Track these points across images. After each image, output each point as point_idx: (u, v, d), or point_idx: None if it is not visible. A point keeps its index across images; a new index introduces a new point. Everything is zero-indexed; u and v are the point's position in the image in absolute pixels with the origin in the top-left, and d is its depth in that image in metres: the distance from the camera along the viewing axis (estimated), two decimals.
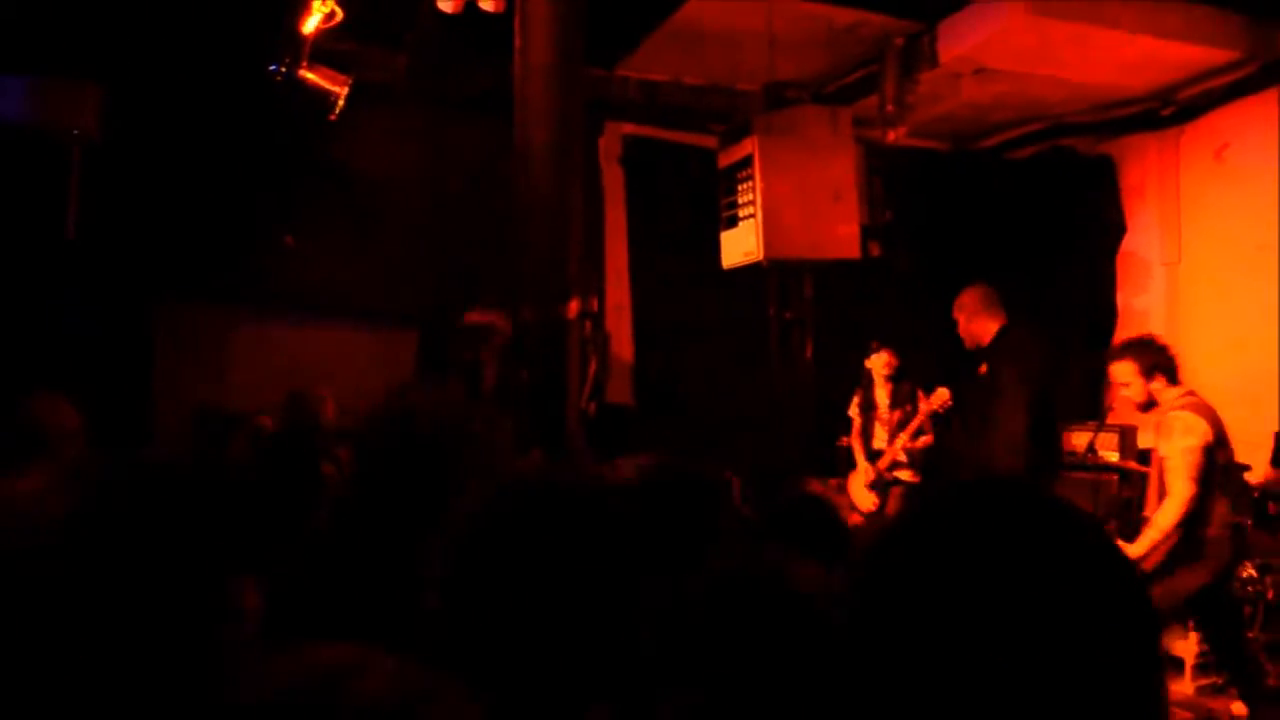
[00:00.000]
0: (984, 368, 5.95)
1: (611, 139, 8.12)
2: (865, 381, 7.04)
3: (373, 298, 7.16)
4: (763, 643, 1.46)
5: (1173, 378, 4.86)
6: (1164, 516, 4.65)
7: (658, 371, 8.06)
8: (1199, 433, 4.63)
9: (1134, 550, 4.66)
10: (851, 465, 7.01)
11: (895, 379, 6.85)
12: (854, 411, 7.10)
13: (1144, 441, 7.00)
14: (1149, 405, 4.90)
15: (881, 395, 6.92)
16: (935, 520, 0.98)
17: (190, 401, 5.86)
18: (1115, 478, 6.50)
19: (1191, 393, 4.82)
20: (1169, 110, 7.81)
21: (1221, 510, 4.71)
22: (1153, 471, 4.94)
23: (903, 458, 6.69)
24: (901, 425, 6.71)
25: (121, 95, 6.39)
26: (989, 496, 0.99)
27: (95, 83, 6.29)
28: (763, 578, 1.56)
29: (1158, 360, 4.87)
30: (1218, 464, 4.76)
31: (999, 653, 0.87)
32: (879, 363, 6.89)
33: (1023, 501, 0.97)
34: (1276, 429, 6.45)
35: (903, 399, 6.77)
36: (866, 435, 6.96)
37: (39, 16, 5.91)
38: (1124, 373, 4.92)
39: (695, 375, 7.92)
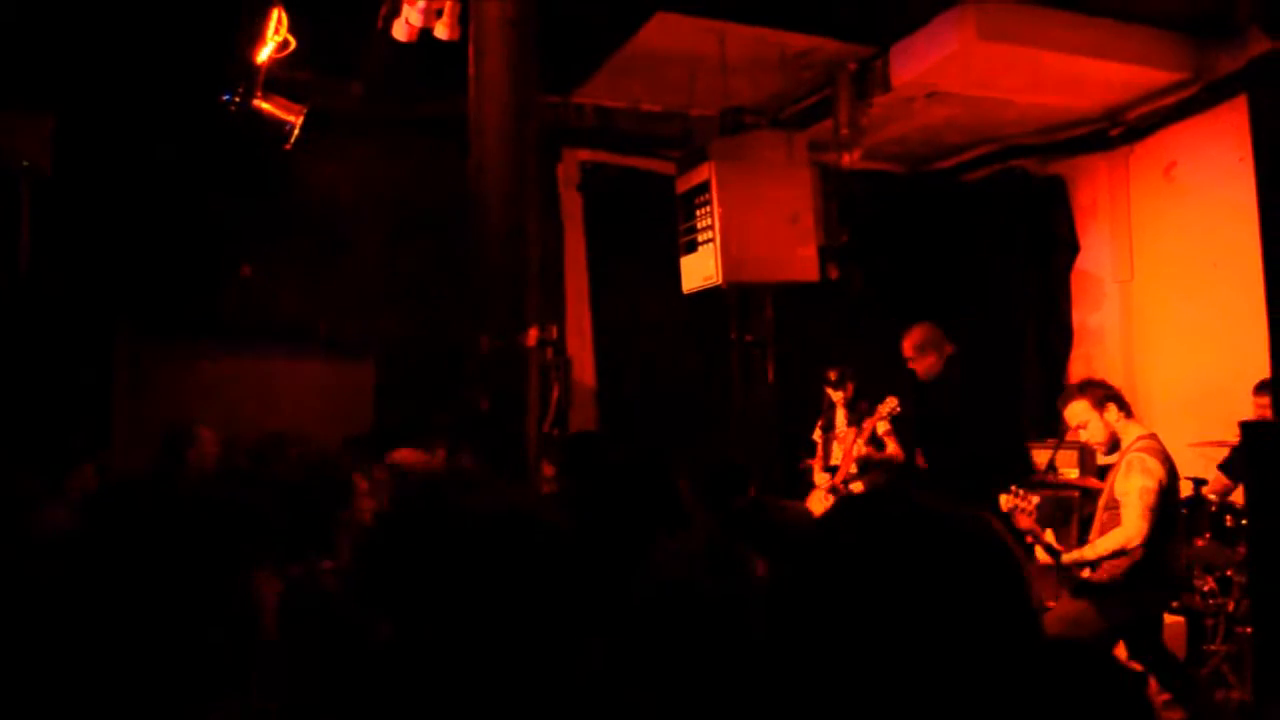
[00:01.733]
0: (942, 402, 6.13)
1: (569, 166, 8.13)
2: (826, 406, 7.11)
3: (331, 327, 7.11)
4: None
5: (1124, 408, 4.94)
6: (1104, 542, 4.71)
7: (621, 397, 8.06)
8: (1156, 476, 4.69)
9: (1071, 555, 4.72)
10: (811, 486, 7.05)
11: (852, 402, 6.92)
12: (818, 435, 7.16)
13: (1104, 458, 7.08)
14: (1113, 445, 4.95)
15: (840, 417, 7.00)
16: (833, 531, 1.11)
17: (150, 434, 5.77)
18: (1076, 494, 6.56)
19: (1152, 435, 4.89)
20: (1118, 130, 7.93)
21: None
22: (1100, 505, 4.99)
23: (854, 469, 6.72)
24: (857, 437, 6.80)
25: (73, 126, 6.32)
26: (876, 508, 1.11)
27: (46, 114, 6.22)
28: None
29: (1106, 392, 4.96)
30: (1177, 506, 4.84)
31: (885, 642, 0.98)
32: (838, 395, 6.99)
33: (902, 509, 1.08)
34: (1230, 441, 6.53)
35: (859, 417, 6.83)
36: (826, 455, 7.03)
37: None
38: (1079, 412, 5.00)
39: (658, 399, 7.92)
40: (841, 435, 6.93)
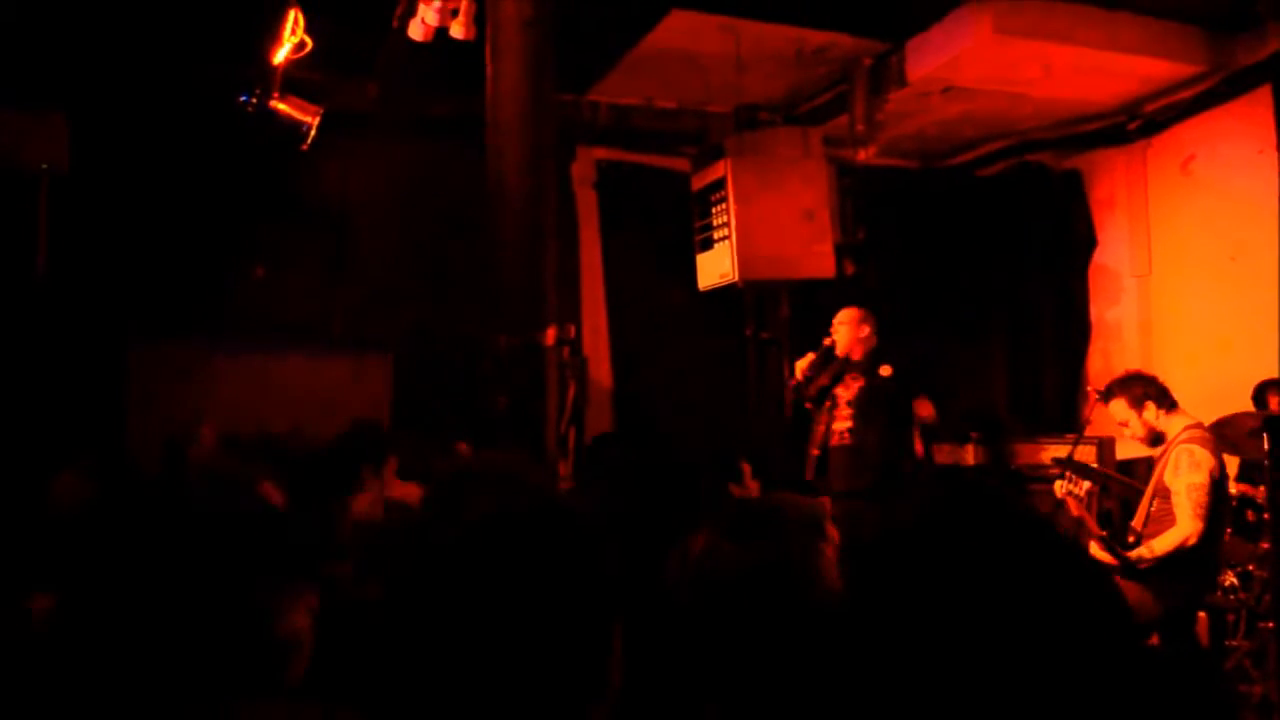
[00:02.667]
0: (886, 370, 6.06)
1: (585, 164, 8.12)
2: None
3: (347, 326, 7.13)
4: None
5: (1164, 403, 4.88)
6: (1161, 543, 4.67)
7: (636, 395, 8.05)
8: (1206, 468, 4.64)
9: (1133, 554, 4.69)
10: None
11: None
12: None
13: (1123, 452, 7.05)
14: (1155, 438, 4.90)
15: None
16: (923, 528, 1.07)
17: (164, 435, 5.80)
18: (1096, 489, 6.52)
19: (1198, 424, 4.84)
20: (1135, 124, 7.89)
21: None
22: (1149, 491, 4.95)
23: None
24: None
25: (90, 128, 6.34)
26: (971, 508, 1.07)
27: (63, 115, 6.24)
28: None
29: (1145, 390, 4.90)
30: (1228, 496, 4.80)
31: (978, 644, 0.96)
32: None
33: (1001, 512, 1.05)
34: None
35: None
36: None
37: (3, 48, 5.87)
38: (1118, 411, 4.95)
39: (674, 398, 7.91)
40: None
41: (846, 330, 6.17)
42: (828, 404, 6.20)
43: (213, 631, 1.52)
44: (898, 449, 6.09)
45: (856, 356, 6.17)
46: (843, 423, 6.11)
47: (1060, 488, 5.05)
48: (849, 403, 6.09)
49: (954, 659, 0.97)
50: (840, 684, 1.07)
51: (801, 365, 6.25)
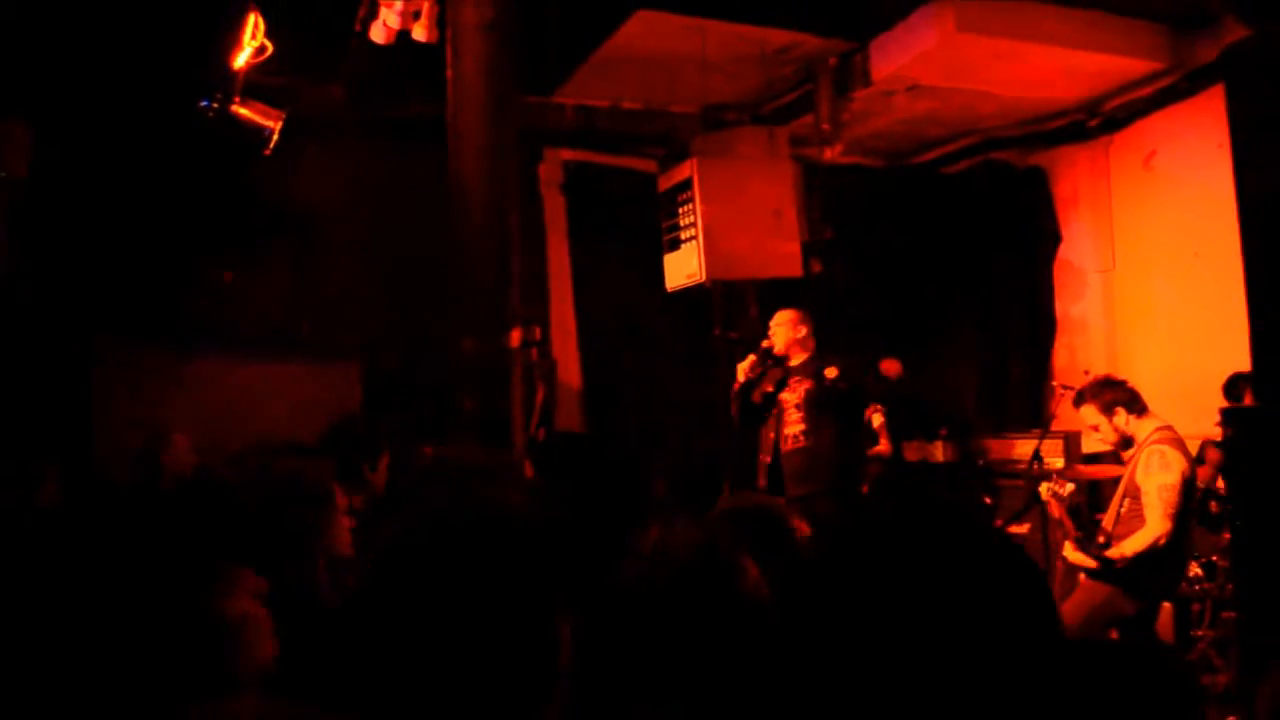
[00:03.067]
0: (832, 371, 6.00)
1: (551, 166, 8.11)
2: None
3: (314, 330, 7.09)
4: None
5: (1135, 408, 4.94)
6: (1132, 544, 4.72)
7: (606, 396, 8.05)
8: (1177, 469, 4.70)
9: (1110, 553, 4.73)
10: None
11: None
12: None
13: (1088, 446, 7.11)
14: (1125, 443, 4.97)
15: None
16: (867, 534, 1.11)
17: (129, 441, 5.74)
18: (1081, 499, 6.57)
19: (1167, 426, 4.90)
20: (1097, 121, 7.96)
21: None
22: (1119, 492, 5.00)
23: None
24: None
25: (51, 134, 6.28)
26: (914, 517, 1.10)
27: (22, 121, 6.18)
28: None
29: (1115, 396, 4.96)
30: (1195, 498, 4.86)
31: (915, 643, 0.99)
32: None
33: (944, 521, 1.08)
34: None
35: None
36: None
37: None
38: (1090, 416, 5.03)
39: (644, 398, 7.92)
40: None
41: (784, 331, 6.15)
42: (775, 410, 6.16)
43: (159, 622, 1.52)
44: (851, 448, 6.06)
45: (795, 358, 6.14)
46: (793, 426, 6.05)
47: (1045, 489, 5.11)
48: (797, 406, 6.05)
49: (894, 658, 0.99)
50: (784, 681, 1.08)
51: (744, 367, 6.20)
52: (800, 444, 5.99)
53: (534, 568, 1.29)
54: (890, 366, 7.01)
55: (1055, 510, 5.08)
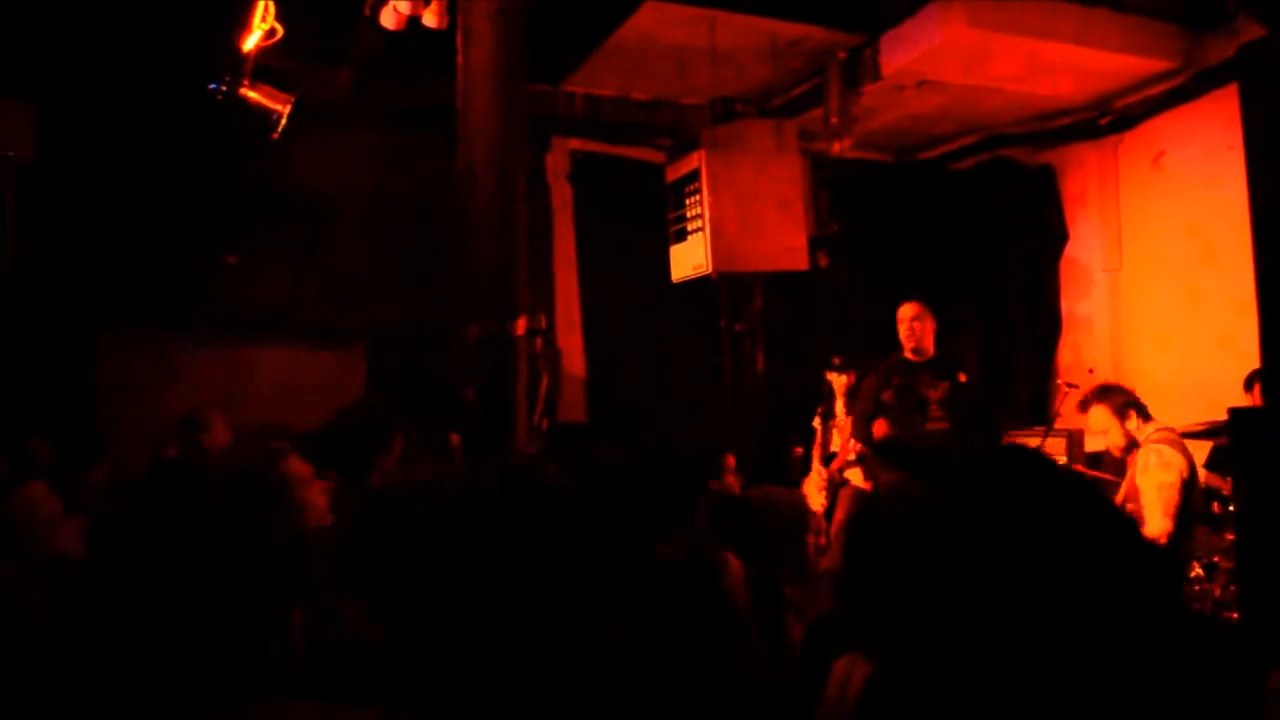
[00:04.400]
0: (963, 376, 6.02)
1: (559, 155, 8.10)
2: (826, 393, 7.07)
3: (320, 316, 7.08)
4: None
5: (1143, 414, 4.93)
6: None
7: (610, 386, 8.04)
8: (1175, 468, 4.69)
9: None
10: (805, 471, 7.03)
11: (853, 390, 6.87)
12: (817, 423, 7.15)
13: (1092, 445, 7.10)
14: (1130, 447, 4.94)
15: (840, 407, 6.96)
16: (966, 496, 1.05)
17: (133, 426, 5.74)
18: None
19: (1167, 428, 4.88)
20: (1107, 119, 7.94)
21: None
22: (1120, 496, 4.99)
23: (853, 456, 6.69)
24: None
25: (58, 116, 6.27)
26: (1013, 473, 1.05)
27: (30, 103, 6.17)
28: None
29: (1127, 400, 4.94)
30: (1195, 494, 4.84)
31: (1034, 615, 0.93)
32: (839, 381, 6.93)
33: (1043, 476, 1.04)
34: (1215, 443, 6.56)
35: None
36: (825, 442, 7.01)
37: None
38: (1099, 419, 4.98)
39: (648, 389, 7.92)
40: (841, 423, 6.91)
41: (922, 325, 6.09)
42: (905, 406, 6.05)
43: (226, 625, 1.50)
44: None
45: (930, 353, 6.09)
46: (936, 424, 5.97)
47: None
48: (939, 403, 5.98)
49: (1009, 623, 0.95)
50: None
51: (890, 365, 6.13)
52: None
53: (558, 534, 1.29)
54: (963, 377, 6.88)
55: None
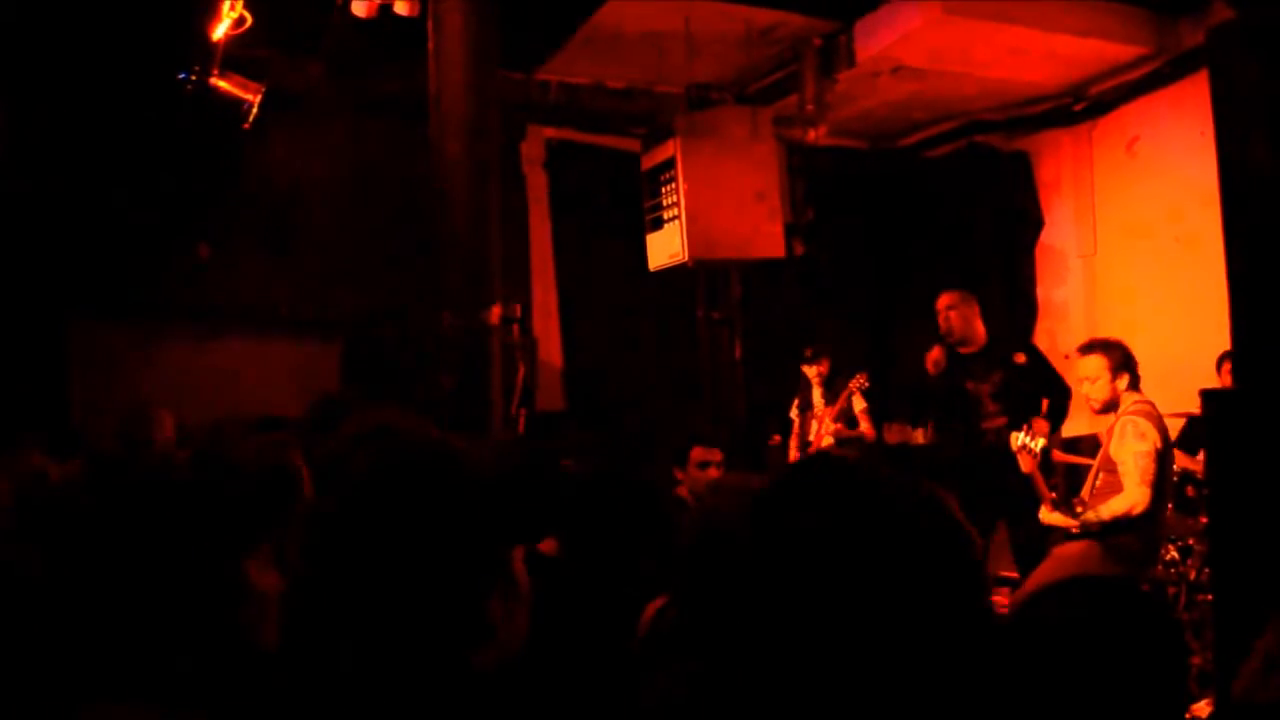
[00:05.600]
0: (1021, 357, 5.76)
1: (534, 143, 8.07)
2: (804, 384, 7.07)
3: (293, 307, 7.04)
4: None
5: (1135, 381, 4.93)
6: (1109, 508, 4.73)
7: (588, 376, 8.03)
8: (1150, 439, 4.71)
9: (1087, 516, 4.74)
10: (785, 460, 7.05)
11: (828, 379, 6.88)
12: (794, 414, 7.16)
13: (1068, 429, 7.13)
14: (1110, 406, 4.93)
15: (817, 396, 6.96)
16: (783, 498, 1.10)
17: (109, 419, 5.68)
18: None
19: (1147, 400, 4.90)
20: (1081, 105, 7.96)
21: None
22: (1095, 465, 5.01)
23: (828, 442, 6.69)
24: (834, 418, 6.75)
25: (25, 108, 6.20)
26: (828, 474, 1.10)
27: None
28: None
29: (1127, 361, 4.92)
30: (1169, 472, 4.86)
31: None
32: (813, 371, 6.91)
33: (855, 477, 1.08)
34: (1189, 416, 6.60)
35: (834, 394, 6.81)
36: (803, 432, 6.99)
37: None
38: (1093, 366, 4.91)
39: (626, 378, 7.91)
40: (819, 413, 6.90)
41: (960, 313, 5.86)
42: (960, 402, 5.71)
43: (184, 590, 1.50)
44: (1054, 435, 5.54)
45: (976, 344, 5.82)
46: (994, 420, 5.60)
47: (1015, 440, 5.07)
48: (993, 396, 5.63)
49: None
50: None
51: (936, 359, 5.82)
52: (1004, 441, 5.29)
53: (472, 509, 1.28)
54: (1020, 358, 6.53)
55: (1026, 465, 5.04)
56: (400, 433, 1.33)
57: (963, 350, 5.88)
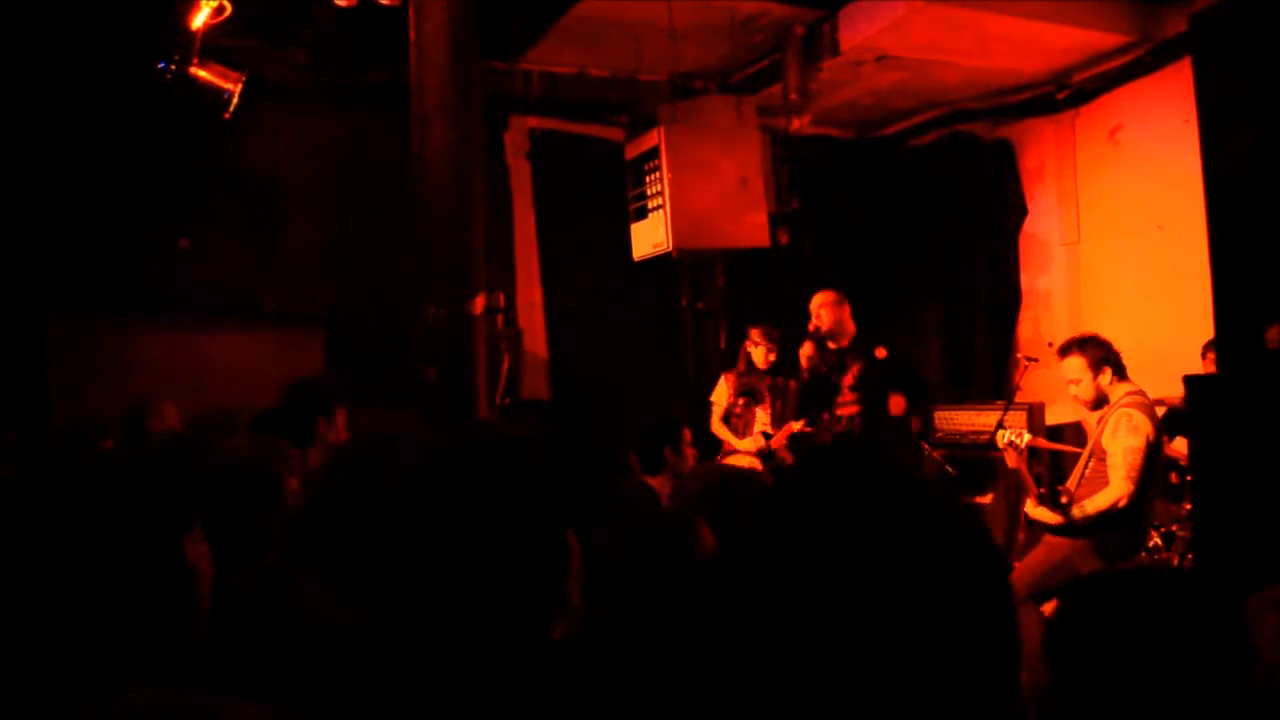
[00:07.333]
0: (882, 352, 6.17)
1: (517, 133, 8.03)
2: (749, 366, 6.75)
3: (275, 297, 7.00)
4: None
5: (1120, 373, 4.94)
6: (1094, 503, 4.75)
7: (573, 366, 8.02)
8: (1143, 433, 4.72)
9: (1074, 510, 4.76)
10: (717, 451, 6.73)
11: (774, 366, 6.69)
12: (715, 397, 6.88)
13: (1052, 417, 7.16)
14: (1099, 402, 4.95)
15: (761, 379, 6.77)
16: (803, 484, 1.10)
17: (89, 412, 5.64)
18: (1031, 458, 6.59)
19: (1139, 390, 4.91)
20: (1064, 94, 7.97)
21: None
22: (1085, 453, 5.03)
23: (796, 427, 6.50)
24: (788, 405, 6.60)
25: (3, 96, 6.13)
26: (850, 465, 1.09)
27: None
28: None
29: (1106, 355, 4.93)
30: (1158, 464, 4.88)
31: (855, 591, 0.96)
32: (759, 353, 6.67)
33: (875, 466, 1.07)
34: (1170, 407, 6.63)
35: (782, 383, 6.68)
36: (747, 418, 6.76)
37: None
38: (1073, 368, 4.94)
39: (611, 368, 7.89)
40: (765, 399, 6.68)
41: (830, 312, 6.23)
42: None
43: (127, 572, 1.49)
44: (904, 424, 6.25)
45: (844, 339, 6.24)
46: (848, 407, 6.12)
47: (1001, 437, 5.09)
48: (851, 386, 6.11)
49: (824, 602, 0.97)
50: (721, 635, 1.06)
51: (808, 353, 6.24)
52: (857, 424, 6.11)
53: (535, 487, 1.39)
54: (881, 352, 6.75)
55: (1012, 460, 5.06)
56: (475, 430, 1.44)
57: (831, 345, 6.29)
